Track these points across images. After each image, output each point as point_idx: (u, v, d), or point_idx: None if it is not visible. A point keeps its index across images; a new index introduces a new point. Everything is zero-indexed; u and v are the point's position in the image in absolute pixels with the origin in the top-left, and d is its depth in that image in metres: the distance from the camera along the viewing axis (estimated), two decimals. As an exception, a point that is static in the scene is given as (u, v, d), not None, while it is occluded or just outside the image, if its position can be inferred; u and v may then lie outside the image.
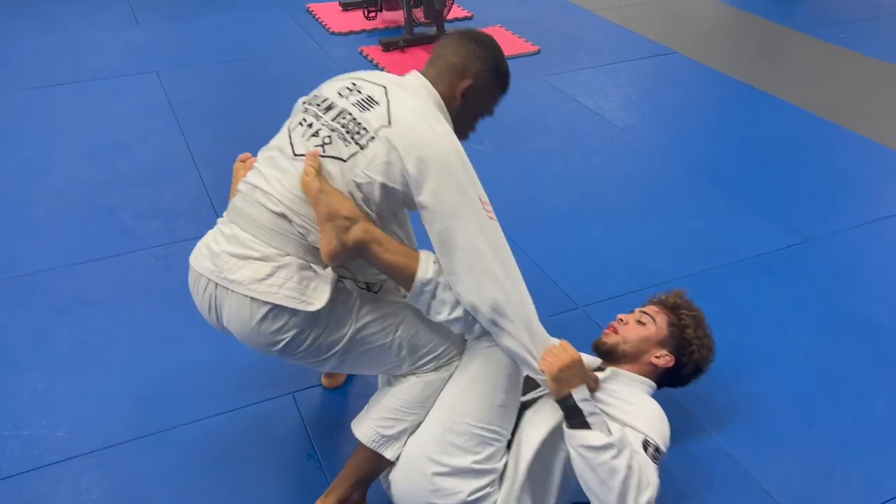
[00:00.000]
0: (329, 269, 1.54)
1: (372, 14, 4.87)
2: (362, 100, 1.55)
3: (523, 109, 3.84)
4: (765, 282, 2.63)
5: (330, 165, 1.50)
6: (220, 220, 1.63)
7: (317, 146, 1.51)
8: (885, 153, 3.49)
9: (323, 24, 4.87)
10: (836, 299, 2.56)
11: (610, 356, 1.85)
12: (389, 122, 1.50)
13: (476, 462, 1.59)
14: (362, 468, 1.71)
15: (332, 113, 1.55)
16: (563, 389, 1.54)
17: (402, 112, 1.52)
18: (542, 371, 1.54)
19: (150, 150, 3.39)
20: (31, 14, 4.95)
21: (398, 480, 1.68)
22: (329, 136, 1.52)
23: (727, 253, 2.77)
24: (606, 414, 1.63)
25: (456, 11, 4.99)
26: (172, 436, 2.00)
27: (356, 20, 4.91)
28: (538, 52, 4.51)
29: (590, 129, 3.67)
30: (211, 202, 2.99)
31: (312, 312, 1.50)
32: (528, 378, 1.71)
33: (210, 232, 1.62)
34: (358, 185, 1.50)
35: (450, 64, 1.63)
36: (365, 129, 1.50)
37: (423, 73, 1.65)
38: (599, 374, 1.76)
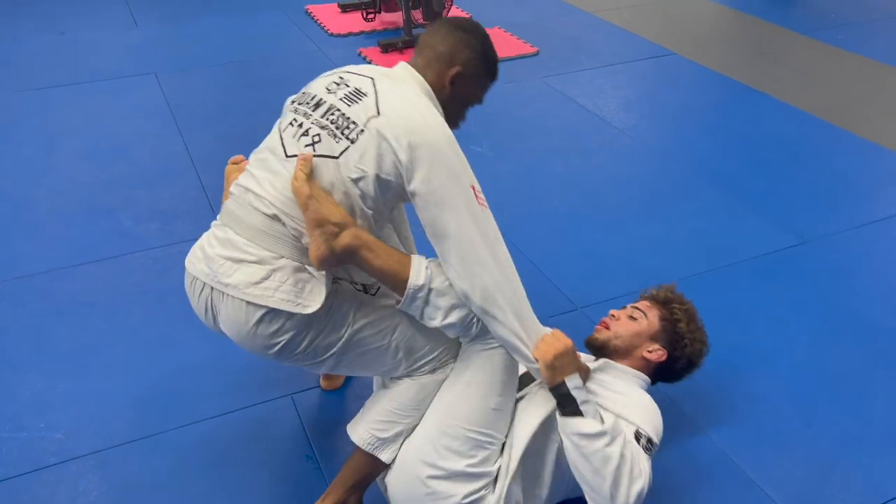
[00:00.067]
0: (325, 271, 1.53)
1: (370, 15, 4.87)
2: (350, 93, 1.54)
3: (522, 111, 3.84)
4: (764, 282, 2.63)
5: (322, 165, 1.48)
6: (213, 223, 1.62)
7: (307, 146, 1.50)
8: (884, 154, 3.50)
9: (321, 25, 4.87)
10: (836, 300, 2.55)
11: (602, 352, 1.85)
12: (378, 113, 1.49)
13: (470, 465, 1.59)
14: (359, 471, 1.71)
15: (321, 110, 1.54)
16: (556, 377, 1.54)
17: (391, 101, 1.51)
18: (536, 359, 1.54)
19: (148, 152, 3.39)
20: (30, 15, 4.95)
21: (394, 483, 1.68)
22: (318, 135, 1.51)
23: (727, 253, 2.77)
24: (598, 405, 1.63)
25: (454, 13, 5.00)
26: (171, 437, 2.00)
27: (355, 22, 4.91)
28: (537, 54, 4.51)
29: (589, 131, 3.67)
30: (209, 203, 2.99)
31: (308, 315, 1.49)
32: (520, 377, 1.71)
33: (205, 235, 1.61)
34: (353, 182, 1.48)
35: (438, 52, 1.61)
36: (354, 122, 1.49)
37: (412, 63, 1.64)
38: (591, 364, 1.77)
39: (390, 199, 1.54)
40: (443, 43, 1.62)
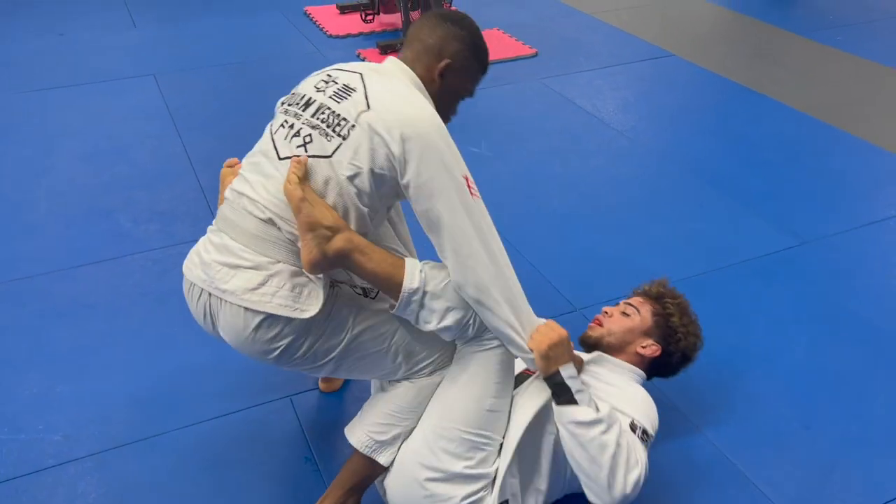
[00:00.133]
0: (323, 274, 1.52)
1: (369, 17, 4.87)
2: (338, 90, 1.53)
3: (521, 112, 3.85)
4: (763, 283, 2.63)
5: (316, 165, 1.47)
6: (209, 228, 1.61)
7: (298, 146, 1.49)
8: (882, 155, 3.50)
9: (320, 26, 4.88)
10: (835, 300, 2.56)
11: (596, 349, 1.86)
12: (368, 107, 1.48)
13: (467, 467, 1.59)
14: (357, 474, 1.70)
15: (311, 109, 1.53)
16: (551, 367, 1.54)
17: (380, 95, 1.50)
18: (531, 349, 1.54)
19: (147, 153, 3.39)
20: (29, 16, 4.95)
21: (392, 486, 1.68)
22: (310, 135, 1.49)
23: (725, 254, 2.77)
24: (593, 395, 1.63)
25: (453, 14, 4.99)
26: (169, 439, 2.00)
27: (353, 23, 4.92)
28: (535, 55, 4.51)
29: (588, 132, 3.67)
30: (208, 205, 2.99)
31: (307, 319, 1.48)
32: (516, 377, 1.71)
33: (201, 240, 1.60)
34: (348, 179, 1.47)
35: (426, 45, 1.60)
36: (344, 119, 1.48)
37: (400, 57, 1.63)
38: (585, 357, 1.78)
39: (385, 194, 1.52)
40: (431, 35, 1.60)
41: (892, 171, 3.40)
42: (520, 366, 1.79)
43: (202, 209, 2.96)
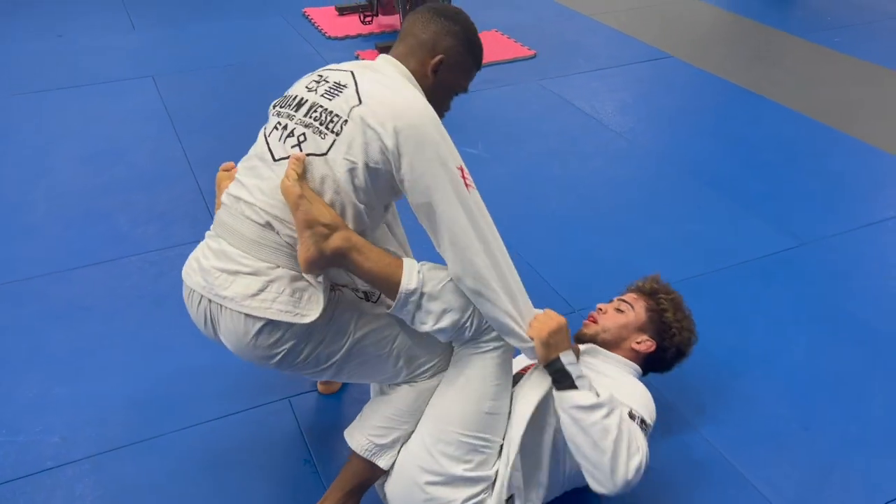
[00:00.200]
0: (322, 277, 1.51)
1: (368, 18, 4.87)
2: (330, 88, 1.52)
3: (519, 113, 3.85)
4: (762, 284, 2.63)
5: (311, 164, 1.46)
6: (207, 233, 1.60)
7: (293, 146, 1.49)
8: (881, 156, 3.50)
9: (319, 28, 4.88)
10: (833, 302, 2.56)
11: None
12: (360, 101, 1.47)
13: (467, 470, 1.59)
14: (356, 477, 1.70)
15: (304, 109, 1.52)
16: (551, 354, 1.55)
17: (372, 89, 1.49)
18: (531, 338, 1.54)
19: (146, 155, 3.39)
20: (28, 18, 4.95)
21: (393, 491, 1.68)
22: (303, 134, 1.49)
23: (724, 255, 2.77)
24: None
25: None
26: (167, 441, 1.99)
27: (352, 24, 4.92)
28: (534, 57, 4.51)
29: (586, 134, 3.67)
30: (207, 207, 2.99)
31: (308, 324, 1.47)
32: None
33: (199, 245, 1.59)
34: (344, 175, 1.46)
35: (420, 40, 1.59)
36: (337, 115, 1.47)
37: (393, 52, 1.62)
38: (581, 347, 1.79)
39: (382, 190, 1.51)
40: (425, 30, 1.59)
41: (890, 172, 3.40)
42: (515, 366, 1.79)
43: (200, 211, 2.96)
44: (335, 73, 1.57)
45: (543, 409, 1.62)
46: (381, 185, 1.50)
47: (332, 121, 1.47)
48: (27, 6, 5.16)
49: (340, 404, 2.13)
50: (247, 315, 1.46)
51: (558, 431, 1.62)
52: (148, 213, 2.96)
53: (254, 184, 1.51)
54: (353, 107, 1.47)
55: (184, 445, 1.98)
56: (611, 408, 1.53)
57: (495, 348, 1.59)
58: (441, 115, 1.63)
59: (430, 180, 1.45)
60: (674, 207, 3.09)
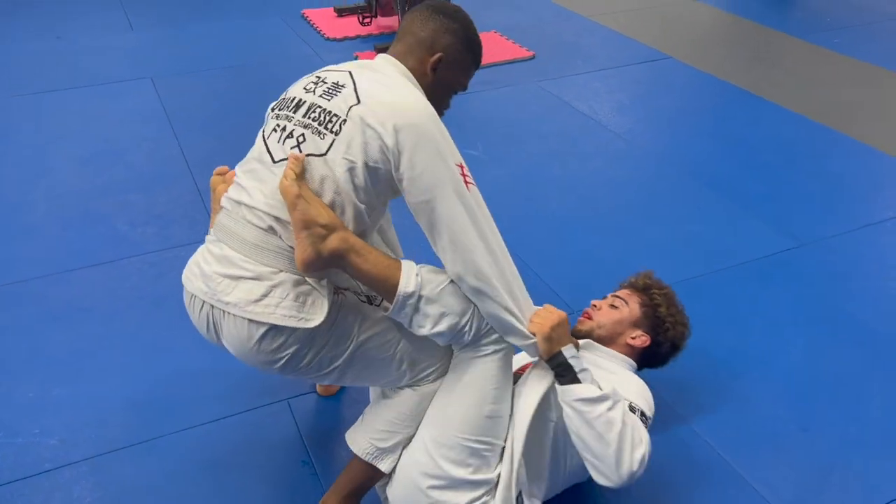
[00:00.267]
0: (326, 281, 1.50)
1: (367, 20, 4.87)
2: (328, 88, 1.51)
3: (518, 114, 3.85)
4: (761, 285, 2.63)
5: (311, 165, 1.45)
6: (208, 237, 1.59)
7: (292, 147, 1.48)
8: (880, 157, 3.50)
9: (318, 29, 4.88)
10: (832, 302, 2.56)
11: None
12: (358, 101, 1.46)
13: (469, 473, 1.59)
14: (356, 480, 1.70)
15: (302, 110, 1.51)
16: (553, 348, 1.55)
17: (370, 88, 1.49)
18: (532, 334, 1.54)
19: (144, 156, 3.39)
20: (26, 19, 4.94)
21: (395, 495, 1.68)
22: (303, 135, 1.48)
23: (723, 256, 2.77)
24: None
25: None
26: (166, 443, 1.99)
27: (351, 26, 4.92)
28: (533, 58, 4.51)
29: (585, 135, 3.67)
30: (205, 208, 2.98)
31: (311, 329, 1.46)
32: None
33: (200, 249, 1.58)
34: (344, 175, 1.45)
35: (418, 38, 1.58)
36: (336, 115, 1.46)
37: (391, 51, 1.61)
38: (579, 343, 1.78)
39: (381, 189, 1.50)
40: (423, 28, 1.58)
41: (889, 173, 3.40)
42: (514, 365, 1.79)
43: (199, 212, 2.96)
44: (333, 73, 1.56)
45: (545, 405, 1.62)
46: (381, 185, 1.49)
47: (330, 121, 1.46)
48: (26, 6, 5.16)
49: (339, 406, 2.12)
50: (250, 320, 1.45)
51: (559, 427, 1.62)
52: (147, 214, 2.96)
53: (254, 186, 1.50)
54: (352, 106, 1.46)
55: (183, 447, 1.98)
56: (615, 400, 1.53)
57: (495, 351, 1.58)
58: (441, 113, 1.62)
59: (429, 178, 1.45)
60: (673, 208, 3.09)
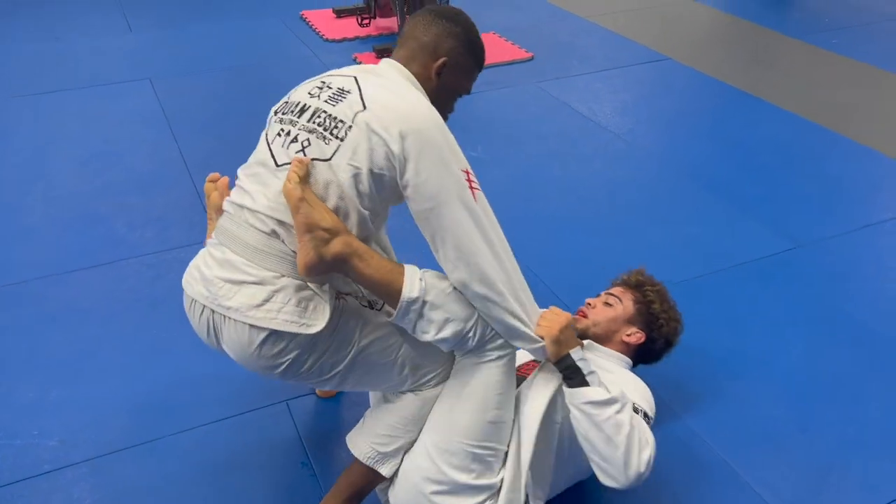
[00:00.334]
0: (328, 286, 1.50)
1: (366, 21, 4.87)
2: (333, 94, 1.50)
3: (517, 116, 3.85)
4: (760, 286, 2.64)
5: (316, 170, 1.45)
6: (209, 241, 1.58)
7: (297, 152, 1.46)
8: (878, 158, 3.51)
9: (317, 30, 4.88)
10: (831, 303, 2.56)
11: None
12: (364, 107, 1.46)
13: (473, 478, 1.58)
14: (357, 483, 1.69)
15: (307, 115, 1.50)
16: (562, 350, 1.55)
17: (376, 94, 1.48)
18: (541, 337, 1.55)
19: (143, 158, 3.38)
20: (25, 20, 4.94)
21: (398, 500, 1.68)
22: (307, 139, 1.47)
23: (722, 258, 2.78)
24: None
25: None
26: (165, 444, 1.99)
27: (350, 27, 4.92)
28: (532, 59, 4.52)
29: (584, 135, 3.67)
30: (204, 210, 2.98)
31: (313, 334, 1.45)
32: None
33: (200, 253, 1.57)
34: (348, 181, 1.44)
35: (421, 43, 1.58)
36: (341, 121, 1.45)
37: (395, 56, 1.61)
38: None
39: (385, 196, 1.50)
40: (426, 33, 1.58)
41: (887, 174, 3.40)
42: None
43: (198, 214, 2.96)
44: (338, 78, 1.55)
45: (551, 408, 1.62)
46: (386, 192, 1.49)
47: (336, 126, 1.46)
48: (25, 8, 5.16)
49: (339, 408, 2.12)
50: (251, 325, 1.44)
51: (563, 428, 1.62)
52: (145, 215, 2.95)
53: (257, 190, 1.49)
54: (358, 112, 1.45)
55: (182, 448, 1.98)
56: (623, 403, 1.54)
57: (499, 357, 1.58)
58: (445, 117, 1.61)
59: (434, 186, 1.44)
60: (672, 210, 3.09)
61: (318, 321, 1.46)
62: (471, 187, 1.48)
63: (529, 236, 2.85)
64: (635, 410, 1.62)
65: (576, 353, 1.56)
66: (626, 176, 3.34)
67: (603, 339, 1.88)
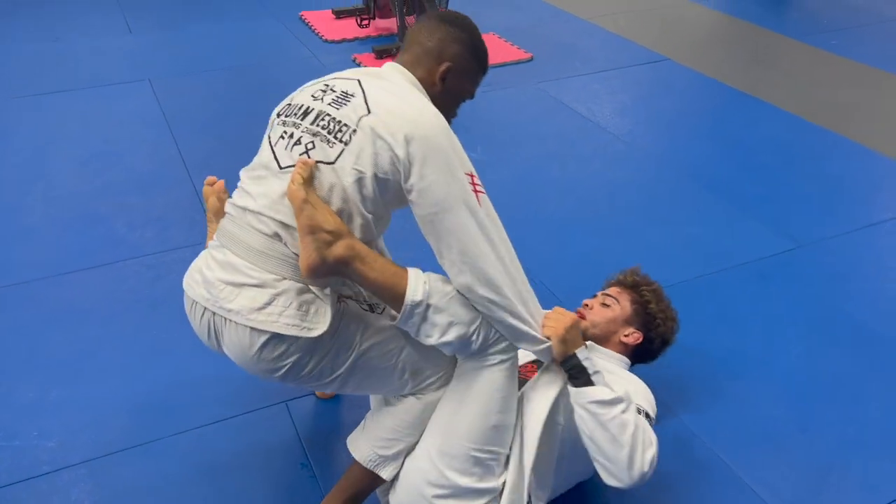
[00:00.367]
0: (329, 290, 1.49)
1: (365, 22, 4.87)
2: (337, 97, 1.50)
3: (517, 116, 3.85)
4: (760, 287, 2.64)
5: (320, 173, 1.44)
6: (210, 243, 1.58)
7: (301, 154, 1.46)
8: (877, 159, 3.51)
9: (316, 31, 4.88)
10: (831, 304, 2.56)
11: None
12: (369, 111, 1.45)
13: (474, 482, 1.58)
14: (357, 485, 1.69)
15: (311, 117, 1.49)
16: (568, 350, 1.56)
17: (380, 98, 1.47)
18: (547, 338, 1.55)
19: (142, 158, 3.38)
20: (25, 21, 4.94)
21: (399, 502, 1.67)
22: (312, 142, 1.46)
23: (722, 258, 2.78)
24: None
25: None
26: (164, 445, 1.99)
27: (349, 28, 4.92)
28: (531, 60, 4.52)
29: (584, 136, 3.68)
30: (203, 210, 2.98)
31: (314, 338, 1.45)
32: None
33: (202, 255, 1.56)
34: (352, 185, 1.43)
35: (426, 48, 1.57)
36: (346, 124, 1.45)
37: (399, 60, 1.60)
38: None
39: (389, 200, 1.49)
40: (430, 38, 1.58)
41: (886, 174, 3.40)
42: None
43: (198, 214, 2.96)
44: (342, 81, 1.54)
45: (554, 410, 1.62)
46: (389, 196, 1.48)
47: (340, 130, 1.45)
48: (25, 8, 5.15)
49: (338, 408, 2.12)
50: (252, 328, 1.44)
51: (566, 429, 1.62)
52: (145, 216, 2.95)
53: (260, 192, 1.48)
54: (362, 116, 1.45)
55: (181, 449, 1.98)
56: (627, 402, 1.54)
57: (502, 361, 1.57)
58: (448, 121, 1.60)
59: (438, 190, 1.43)
60: (672, 210, 3.09)
61: (319, 324, 1.45)
62: (475, 191, 1.48)
63: (529, 237, 2.84)
64: (637, 410, 1.62)
65: (581, 353, 1.56)
66: (625, 176, 3.34)
67: (601, 340, 1.88)
